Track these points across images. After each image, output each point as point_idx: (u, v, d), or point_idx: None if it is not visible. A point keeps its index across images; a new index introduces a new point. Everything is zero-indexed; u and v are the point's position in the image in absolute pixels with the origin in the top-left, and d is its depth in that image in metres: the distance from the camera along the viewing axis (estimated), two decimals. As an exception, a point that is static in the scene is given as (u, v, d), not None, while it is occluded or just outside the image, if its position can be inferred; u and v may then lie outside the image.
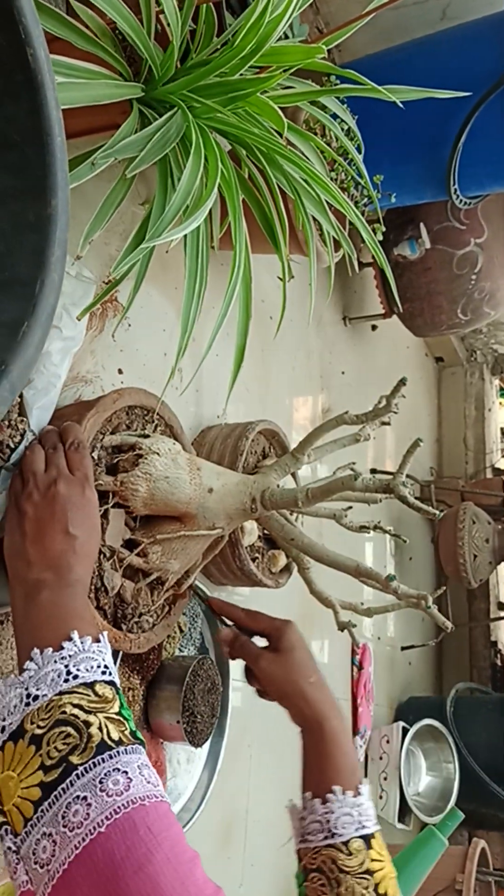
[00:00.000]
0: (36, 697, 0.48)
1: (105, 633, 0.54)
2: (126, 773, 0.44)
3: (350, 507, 0.85)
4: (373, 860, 0.60)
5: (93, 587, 0.71)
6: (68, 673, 0.49)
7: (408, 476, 0.88)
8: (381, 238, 1.09)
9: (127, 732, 0.48)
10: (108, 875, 0.40)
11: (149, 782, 0.45)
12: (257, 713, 1.29)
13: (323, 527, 1.56)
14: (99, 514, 0.64)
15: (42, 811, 0.43)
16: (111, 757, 0.45)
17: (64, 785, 0.43)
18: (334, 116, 0.99)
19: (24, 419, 0.65)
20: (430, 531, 2.36)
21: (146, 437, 0.77)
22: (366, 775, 1.79)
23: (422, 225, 1.67)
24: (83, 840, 0.41)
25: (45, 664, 0.49)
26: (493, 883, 1.73)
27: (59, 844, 0.42)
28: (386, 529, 0.82)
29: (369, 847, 0.60)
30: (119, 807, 0.43)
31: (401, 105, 0.91)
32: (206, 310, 0.79)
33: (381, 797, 1.74)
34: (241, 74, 0.78)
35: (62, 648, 0.50)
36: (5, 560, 0.59)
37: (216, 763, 1.08)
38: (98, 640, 0.52)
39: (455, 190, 1.38)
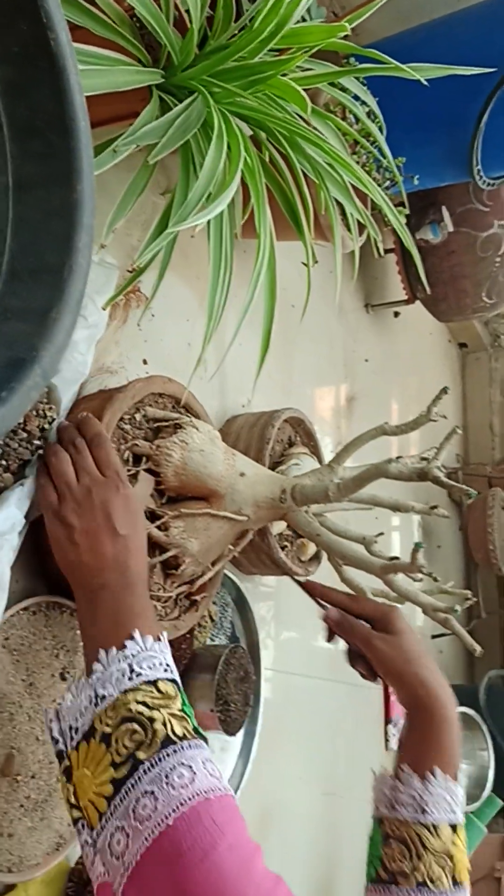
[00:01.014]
0: (103, 697, 0.50)
1: (165, 632, 0.56)
2: (190, 767, 0.47)
3: (381, 534, 0.83)
4: (455, 845, 0.62)
5: None
6: (132, 671, 0.51)
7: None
8: (404, 221, 1.07)
9: (190, 728, 0.50)
10: (176, 865, 0.43)
11: (212, 776, 0.47)
12: (290, 703, 1.29)
13: (349, 513, 1.55)
14: (140, 507, 0.66)
15: (114, 806, 0.46)
16: (175, 752, 0.47)
17: (132, 780, 0.46)
18: (355, 98, 0.98)
19: (53, 407, 0.65)
20: (458, 519, 2.33)
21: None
22: (399, 764, 1.78)
23: (444, 208, 1.64)
24: (152, 833, 0.44)
25: (110, 664, 0.51)
26: (531, 871, 1.71)
27: (131, 837, 0.44)
28: (420, 565, 0.79)
29: (456, 835, 0.63)
30: (184, 800, 0.45)
31: (425, 83, 0.90)
32: (227, 298, 0.79)
33: (415, 786, 1.73)
34: (261, 57, 0.77)
35: (125, 647, 0.52)
36: (65, 573, 0.62)
37: (250, 752, 1.08)
38: (158, 639, 0.55)
39: (478, 171, 1.36)
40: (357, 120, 1.02)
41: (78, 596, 0.59)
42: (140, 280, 0.82)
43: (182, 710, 0.51)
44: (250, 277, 0.80)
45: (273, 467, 1.07)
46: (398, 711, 1.74)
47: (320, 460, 1.18)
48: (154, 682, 0.51)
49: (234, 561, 1.12)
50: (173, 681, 0.53)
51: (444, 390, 0.77)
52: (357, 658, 0.77)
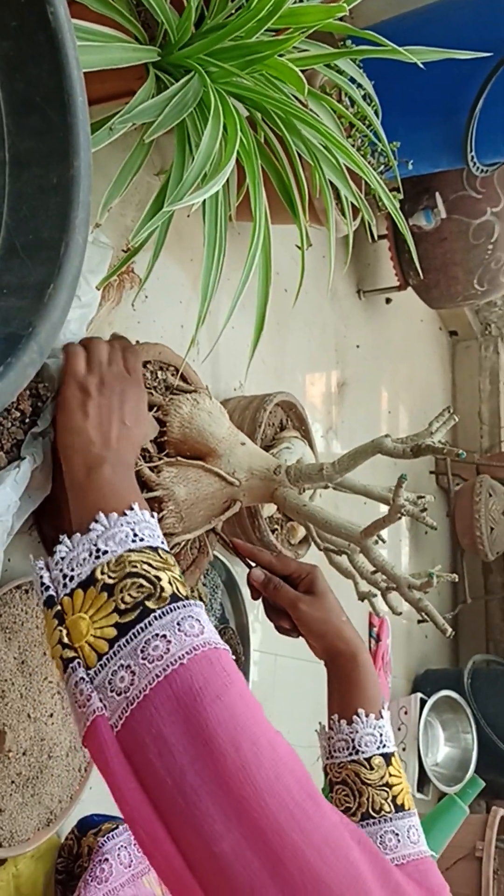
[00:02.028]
0: (105, 552, 0.51)
1: (156, 514, 0.58)
2: (199, 620, 0.48)
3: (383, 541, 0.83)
4: (391, 775, 0.68)
5: None
6: (135, 535, 0.52)
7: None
8: (398, 206, 1.07)
9: (190, 593, 0.52)
10: (188, 701, 0.44)
11: (215, 632, 0.50)
12: (277, 685, 1.31)
13: (338, 498, 1.56)
14: (147, 412, 0.69)
15: (119, 647, 0.47)
16: (185, 606, 0.49)
17: (142, 625, 0.47)
18: (351, 80, 0.98)
19: (47, 385, 0.65)
20: (445, 505, 2.35)
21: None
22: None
23: (437, 194, 1.64)
24: (164, 670, 0.45)
25: (112, 526, 0.52)
26: (512, 851, 1.74)
27: (137, 675, 0.45)
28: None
29: (389, 764, 0.68)
30: (197, 645, 0.47)
31: (422, 66, 0.89)
32: (220, 281, 0.79)
33: (399, 767, 1.76)
34: (258, 37, 0.77)
35: (126, 515, 0.53)
36: (61, 431, 0.63)
37: (238, 732, 1.09)
38: (153, 516, 0.56)
39: (472, 157, 1.36)
40: (353, 103, 1.02)
41: (72, 463, 0.60)
42: (134, 261, 0.81)
43: (181, 577, 0.52)
44: (243, 260, 0.80)
45: (265, 450, 1.07)
46: (384, 694, 1.76)
47: (311, 444, 1.19)
48: (155, 549, 0.52)
49: (225, 543, 1.13)
50: (169, 552, 0.54)
51: (448, 411, 0.79)
52: (277, 613, 0.79)
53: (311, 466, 0.82)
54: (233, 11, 0.80)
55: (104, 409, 0.63)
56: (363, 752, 0.68)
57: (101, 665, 0.47)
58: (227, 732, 0.44)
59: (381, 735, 0.69)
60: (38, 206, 0.48)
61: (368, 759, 0.68)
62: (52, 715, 0.74)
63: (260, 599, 0.81)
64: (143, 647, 0.46)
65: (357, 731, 0.69)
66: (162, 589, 0.49)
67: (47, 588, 0.51)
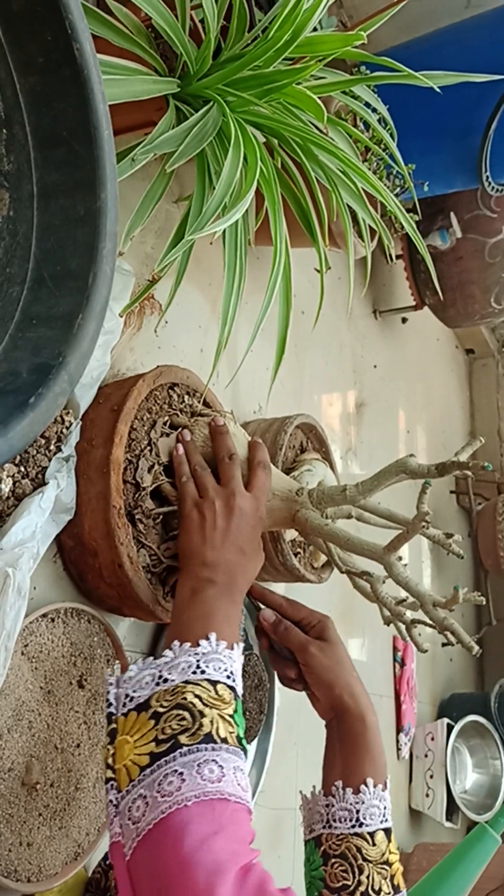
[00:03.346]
0: (166, 680, 0.53)
1: (240, 645, 0.59)
2: (222, 767, 0.49)
3: (388, 578, 0.82)
4: (391, 853, 0.64)
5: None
6: (198, 667, 0.54)
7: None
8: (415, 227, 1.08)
9: (234, 735, 0.52)
10: (177, 839, 0.45)
11: (239, 784, 0.50)
12: (302, 712, 1.28)
13: (358, 527, 1.55)
14: (260, 533, 0.71)
15: (144, 776, 0.49)
16: (213, 749, 0.50)
17: (168, 758, 0.48)
18: (366, 105, 0.99)
19: (70, 412, 0.66)
20: (467, 525, 2.33)
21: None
22: (411, 772, 1.77)
23: (452, 214, 1.65)
24: (169, 808, 0.46)
25: (180, 655, 0.55)
26: (546, 881, 1.69)
27: (150, 807, 0.47)
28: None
29: (389, 840, 0.64)
30: (207, 791, 0.47)
31: (438, 90, 0.90)
32: (239, 305, 0.79)
33: (427, 795, 1.72)
34: (276, 66, 0.78)
35: (199, 645, 0.55)
36: (182, 556, 0.66)
37: (264, 761, 1.07)
38: (232, 648, 0.57)
39: (487, 177, 1.36)
40: (368, 127, 1.02)
41: (183, 581, 0.63)
42: (154, 287, 0.82)
43: (232, 717, 0.53)
44: (262, 284, 0.80)
45: (285, 473, 1.06)
46: (409, 720, 1.73)
47: (332, 466, 1.18)
48: (214, 683, 0.54)
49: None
50: (233, 689, 0.55)
51: (473, 436, 0.78)
52: (283, 662, 0.76)
53: (334, 488, 0.82)
54: (250, 42, 0.81)
55: (222, 532, 0.66)
56: (367, 826, 0.64)
57: (126, 791, 0.49)
58: (206, 876, 0.43)
59: (384, 808, 0.65)
60: (66, 237, 0.48)
61: (372, 834, 0.63)
62: (78, 745, 0.73)
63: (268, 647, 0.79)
64: (161, 780, 0.48)
65: (363, 802, 0.64)
66: (200, 725, 0.50)
67: (110, 704, 0.54)
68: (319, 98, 0.81)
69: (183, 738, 0.49)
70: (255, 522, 0.69)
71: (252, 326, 0.80)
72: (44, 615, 0.71)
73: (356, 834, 0.63)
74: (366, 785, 0.65)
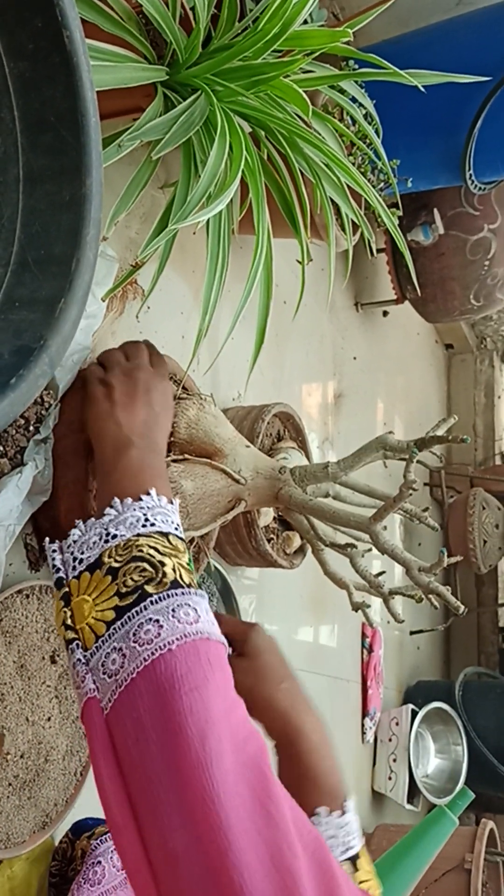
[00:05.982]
0: (115, 536, 0.52)
1: (177, 500, 0.58)
2: (196, 609, 0.48)
3: (369, 549, 0.84)
4: (360, 882, 0.56)
5: None
6: (146, 520, 0.53)
7: (418, 462, 0.88)
8: (396, 223, 1.09)
9: (195, 582, 0.52)
10: (166, 688, 0.44)
11: (213, 624, 0.49)
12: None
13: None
14: (172, 401, 0.71)
15: (114, 629, 0.47)
16: (183, 594, 0.49)
17: (138, 608, 0.47)
18: (353, 100, 1.00)
19: (51, 392, 0.67)
20: (439, 517, 2.37)
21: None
22: (375, 756, 1.81)
23: (435, 210, 1.67)
24: (151, 654, 0.45)
25: (125, 510, 0.53)
26: (501, 864, 1.75)
27: (128, 657, 0.45)
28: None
29: (356, 869, 0.57)
30: (188, 633, 0.46)
31: (423, 89, 0.92)
32: (222, 293, 0.80)
33: (390, 778, 1.77)
34: (264, 58, 0.79)
35: (141, 500, 0.54)
36: (93, 427, 0.64)
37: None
38: (171, 502, 0.56)
39: (470, 175, 1.38)
40: (354, 122, 1.04)
41: (101, 448, 0.61)
42: (137, 272, 0.83)
43: (189, 565, 0.53)
44: (244, 272, 0.81)
45: (262, 461, 1.08)
46: (375, 704, 1.77)
47: (308, 455, 1.20)
48: (166, 534, 0.53)
49: (220, 552, 1.14)
50: (182, 539, 0.54)
51: (445, 421, 0.80)
52: None
53: (316, 465, 0.84)
54: (240, 32, 0.82)
55: (129, 395, 0.65)
56: None
57: (96, 647, 0.47)
58: (197, 725, 0.42)
59: (345, 835, 0.57)
60: (51, 222, 0.49)
61: None
62: (49, 718, 0.75)
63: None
64: (136, 630, 0.46)
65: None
66: (164, 574, 0.49)
67: (58, 570, 0.52)
68: (306, 92, 0.82)
69: (150, 588, 0.48)
70: (159, 385, 0.68)
71: (234, 314, 0.82)
72: (19, 591, 0.73)
73: None
74: (317, 815, 0.58)
